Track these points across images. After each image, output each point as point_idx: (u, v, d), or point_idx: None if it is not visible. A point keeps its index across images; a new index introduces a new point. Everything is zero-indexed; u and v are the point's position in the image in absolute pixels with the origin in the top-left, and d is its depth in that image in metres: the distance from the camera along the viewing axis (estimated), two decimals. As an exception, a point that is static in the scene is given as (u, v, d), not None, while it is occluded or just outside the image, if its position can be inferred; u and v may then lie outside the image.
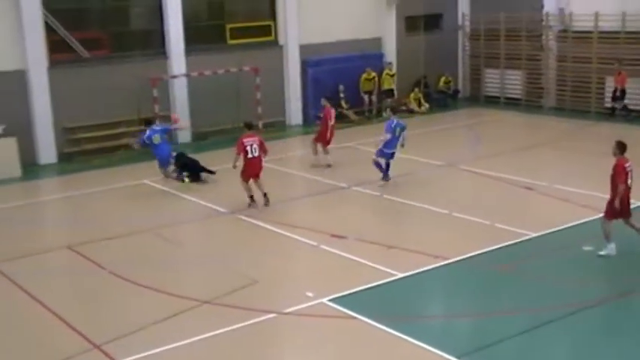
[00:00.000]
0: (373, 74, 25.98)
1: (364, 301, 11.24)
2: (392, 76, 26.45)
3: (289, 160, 20.87)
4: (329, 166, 19.22)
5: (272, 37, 24.67)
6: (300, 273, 12.97)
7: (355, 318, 10.64)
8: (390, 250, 13.19)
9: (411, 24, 27.71)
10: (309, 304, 11.12)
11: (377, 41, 26.84)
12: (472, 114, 26.65)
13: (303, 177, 18.82)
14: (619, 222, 12.56)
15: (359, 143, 22.01)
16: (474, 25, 28.65)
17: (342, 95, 25.48)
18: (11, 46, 19.99)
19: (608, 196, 12.48)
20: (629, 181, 12.20)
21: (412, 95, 27.14)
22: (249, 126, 16.35)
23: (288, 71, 24.79)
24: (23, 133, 19.83)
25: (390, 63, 26.63)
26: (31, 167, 19.82)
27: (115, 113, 21.40)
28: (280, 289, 12.00)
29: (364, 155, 20.79)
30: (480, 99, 28.46)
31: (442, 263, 12.57)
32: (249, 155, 15.79)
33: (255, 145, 15.85)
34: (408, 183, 17.80)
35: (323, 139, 19.57)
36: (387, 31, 26.91)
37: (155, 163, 17.91)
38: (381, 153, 17.28)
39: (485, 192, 17.02)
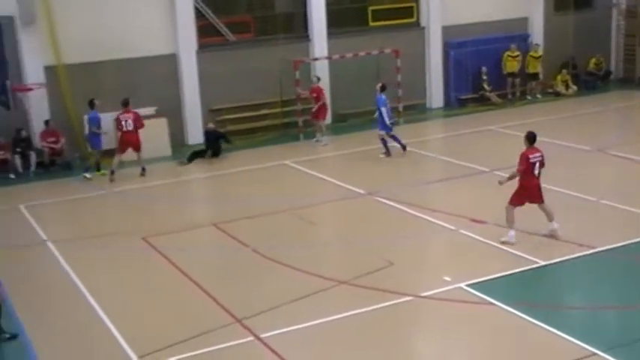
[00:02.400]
0: (517, 52, 25.13)
1: (504, 288, 11.01)
2: (537, 58, 25.49)
3: (429, 143, 20.71)
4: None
5: (414, 19, 24.42)
6: (437, 257, 12.88)
7: (494, 304, 10.44)
8: (531, 237, 12.81)
9: (560, 2, 26.54)
10: (447, 288, 11.02)
11: (523, 21, 25.94)
12: (624, 97, 25.25)
13: (443, 160, 18.59)
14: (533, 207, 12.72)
15: (501, 127, 21.46)
16: (631, 1, 27.05)
17: (484, 77, 24.88)
18: (165, 32, 20.95)
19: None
20: (535, 171, 12.51)
21: (559, 77, 26.08)
22: (126, 103, 18.32)
23: (429, 53, 24.48)
24: (173, 114, 20.77)
25: (537, 45, 25.67)
26: (179, 147, 20.72)
27: (258, 95, 21.96)
28: (417, 272, 11.96)
29: (506, 139, 20.26)
30: (634, 81, 26.89)
31: (587, 252, 12.09)
32: (125, 129, 18.11)
33: (129, 121, 18.12)
34: (553, 168, 17.05)
35: (322, 115, 20.95)
36: (534, 10, 25.93)
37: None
38: (386, 127, 18.72)
39: (636, 179, 16.14)
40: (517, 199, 12.68)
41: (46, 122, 19.38)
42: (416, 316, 10.60)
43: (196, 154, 19.74)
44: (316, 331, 10.06)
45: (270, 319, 10.36)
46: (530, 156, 12.50)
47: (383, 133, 18.87)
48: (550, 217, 12.79)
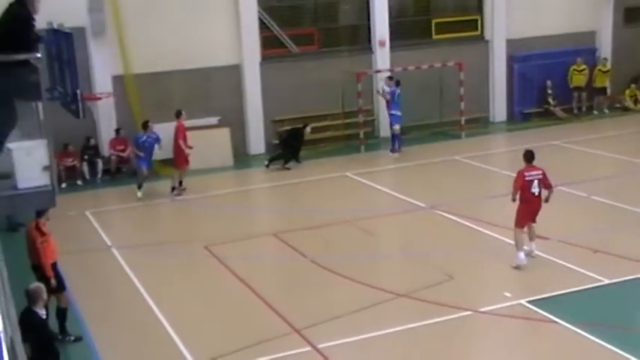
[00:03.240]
0: (583, 66, 24.64)
1: (566, 306, 10.78)
2: (605, 72, 24.93)
3: (491, 156, 20.45)
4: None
5: (478, 32, 24.20)
6: (498, 272, 12.68)
7: (556, 322, 10.24)
8: (596, 254, 12.53)
9: (631, 15, 25.88)
10: (507, 304, 10.86)
11: (590, 35, 25.43)
12: (696, 113, 24.53)
13: (506, 175, 18.29)
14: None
15: (565, 142, 21.05)
16: (703, 15, 26.25)
17: (549, 91, 24.46)
18: (230, 43, 21.26)
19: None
20: (533, 190, 12.20)
21: (628, 92, 25.44)
22: (176, 114, 17.95)
23: (493, 67, 24.18)
24: (236, 124, 21.02)
25: (605, 59, 25.13)
26: (241, 157, 20.94)
27: (320, 107, 22.05)
28: (477, 287, 11.82)
29: (571, 154, 19.91)
30: None
31: (655, 272, 11.75)
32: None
33: (174, 131, 17.69)
34: (619, 185, 16.77)
35: None
36: (602, 23, 25.39)
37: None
38: (397, 119, 20.18)
39: None
40: (521, 221, 12.40)
41: (117, 131, 19.82)
42: (475, 332, 10.47)
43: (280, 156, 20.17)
44: (374, 343, 10.03)
45: (328, 330, 10.38)
46: (526, 174, 12.30)
47: (397, 127, 20.07)
48: (532, 238, 12.55)
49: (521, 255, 12.24)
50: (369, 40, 22.83)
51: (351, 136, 22.08)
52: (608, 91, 25.17)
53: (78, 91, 8.30)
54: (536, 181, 12.28)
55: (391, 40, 22.78)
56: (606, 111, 25.10)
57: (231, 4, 21.07)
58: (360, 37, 23.08)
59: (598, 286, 11.39)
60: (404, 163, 19.94)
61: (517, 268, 12.25)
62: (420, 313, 10.74)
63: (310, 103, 21.92)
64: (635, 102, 25.36)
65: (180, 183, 17.94)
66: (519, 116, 24.37)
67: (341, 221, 15.19)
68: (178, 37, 20.41)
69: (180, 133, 17.77)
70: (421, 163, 19.73)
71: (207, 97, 20.84)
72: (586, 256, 12.52)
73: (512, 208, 15.91)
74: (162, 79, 20.37)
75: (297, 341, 10.15)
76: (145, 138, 17.78)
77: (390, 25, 22.74)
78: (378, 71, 22.38)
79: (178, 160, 17.83)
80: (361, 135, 21.57)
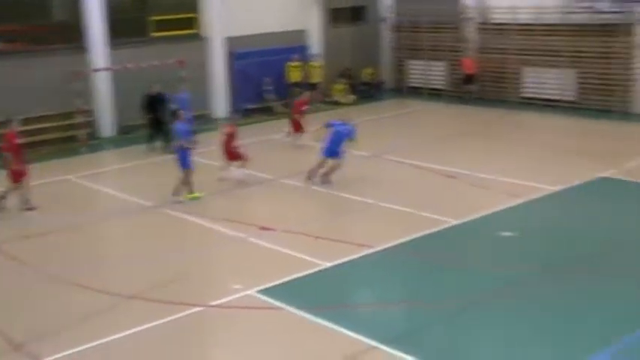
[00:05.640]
0: (299, 63, 26.10)
1: (291, 292, 11.36)
2: (317, 68, 26.60)
3: (214, 153, 20.78)
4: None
5: (196, 30, 24.50)
6: (227, 266, 13.00)
7: (282, 309, 10.75)
8: (317, 241, 13.33)
9: (336, 16, 27.92)
10: (236, 296, 11.17)
11: (302, 33, 26.97)
12: (396, 105, 27.02)
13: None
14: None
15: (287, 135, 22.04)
16: (398, 17, 29.01)
17: (267, 88, 25.51)
18: None
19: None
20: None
21: (336, 87, 27.36)
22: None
23: (212, 64, 24.67)
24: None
25: (316, 55, 26.78)
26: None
27: (35, 108, 20.87)
28: (207, 282, 12.01)
29: (291, 147, 20.90)
30: (403, 90, 28.86)
31: (367, 252, 12.78)
32: None
33: None
34: (336, 174, 17.94)
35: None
36: (312, 23, 27.06)
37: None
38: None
39: (410, 181, 17.35)
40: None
41: None
42: (205, 326, 10.64)
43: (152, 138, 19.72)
44: (105, 349, 9.77)
45: (56, 341, 9.91)
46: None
47: None
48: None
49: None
50: (84, 39, 22.04)
51: (71, 138, 21.19)
52: (321, 85, 26.84)
53: None
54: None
55: (109, 37, 22.22)
56: (320, 105, 26.73)
57: None
58: (72, 35, 22.17)
59: (320, 270, 12.14)
60: (128, 163, 19.58)
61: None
62: (151, 313, 10.65)
63: (24, 105, 20.63)
64: (344, 96, 27.30)
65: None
66: (241, 112, 25.06)
67: (65, 227, 14.56)
68: None
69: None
70: (145, 162, 19.52)
71: None
72: (308, 243, 13.27)
73: (237, 203, 16.43)
74: None
75: (20, 358, 9.56)
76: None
77: (106, 23, 22.17)
78: (96, 70, 21.71)
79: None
80: (83, 136, 20.78)
